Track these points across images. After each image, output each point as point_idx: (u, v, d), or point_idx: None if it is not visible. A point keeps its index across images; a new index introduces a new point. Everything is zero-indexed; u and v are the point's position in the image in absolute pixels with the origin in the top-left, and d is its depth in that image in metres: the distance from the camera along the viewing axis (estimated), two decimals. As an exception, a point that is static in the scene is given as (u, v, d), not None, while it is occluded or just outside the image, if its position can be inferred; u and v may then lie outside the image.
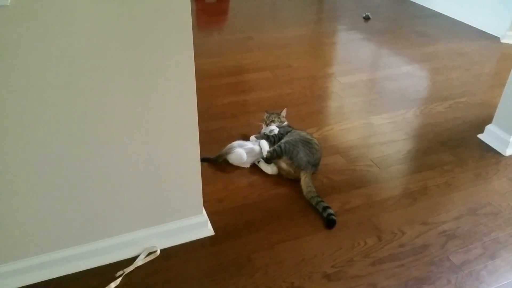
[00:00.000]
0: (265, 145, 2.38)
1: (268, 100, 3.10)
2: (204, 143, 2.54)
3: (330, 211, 2.06)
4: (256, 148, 2.40)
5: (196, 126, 1.65)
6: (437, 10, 5.17)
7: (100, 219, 1.71)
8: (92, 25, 1.30)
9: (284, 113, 2.58)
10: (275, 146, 2.31)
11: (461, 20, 4.86)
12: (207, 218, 1.98)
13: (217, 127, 2.75)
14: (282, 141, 2.35)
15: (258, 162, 2.38)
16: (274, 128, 2.46)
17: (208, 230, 1.96)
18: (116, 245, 1.79)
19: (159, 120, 1.56)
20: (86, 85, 1.39)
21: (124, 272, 1.75)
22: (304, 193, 2.18)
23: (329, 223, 2.03)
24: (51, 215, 1.61)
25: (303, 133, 2.41)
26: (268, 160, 2.35)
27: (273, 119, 2.53)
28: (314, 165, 2.30)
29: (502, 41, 4.34)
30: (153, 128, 1.57)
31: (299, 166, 2.24)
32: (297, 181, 2.26)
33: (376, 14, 5.01)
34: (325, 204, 2.08)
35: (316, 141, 2.37)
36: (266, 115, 2.58)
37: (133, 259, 1.82)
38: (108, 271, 1.77)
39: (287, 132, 2.45)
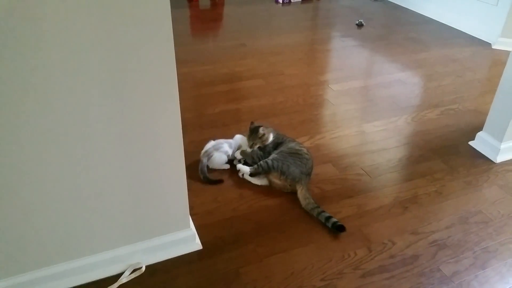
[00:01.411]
0: (243, 167, 2.34)
1: (261, 109, 3.09)
2: (194, 153, 2.54)
3: (334, 219, 2.05)
4: (232, 144, 2.43)
5: (180, 138, 1.63)
6: (429, 16, 5.18)
7: (82, 235, 1.68)
8: (69, 35, 1.28)
9: (262, 131, 2.40)
10: (261, 162, 2.28)
11: (453, 26, 4.87)
12: (195, 232, 1.96)
13: (207, 137, 2.72)
14: (270, 157, 2.32)
15: (243, 175, 2.35)
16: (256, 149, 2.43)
17: (195, 245, 1.94)
18: (100, 262, 1.76)
19: (141, 133, 1.54)
20: (64, 99, 1.37)
21: (107, 290, 1.74)
22: (303, 206, 2.16)
23: (339, 229, 2.04)
24: (29, 232, 1.58)
25: (291, 144, 2.39)
26: (253, 175, 2.32)
27: (254, 141, 2.41)
28: (308, 174, 2.29)
29: (494, 47, 4.34)
30: (135, 142, 1.55)
31: (294, 179, 2.22)
32: (293, 193, 2.24)
33: (369, 20, 5.01)
34: (327, 214, 2.08)
35: (305, 151, 2.36)
36: (248, 138, 2.47)
37: (118, 276, 1.79)
38: (91, 290, 1.75)
39: (276, 145, 2.42)
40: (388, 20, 5.16)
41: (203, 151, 2.43)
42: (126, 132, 1.52)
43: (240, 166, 2.35)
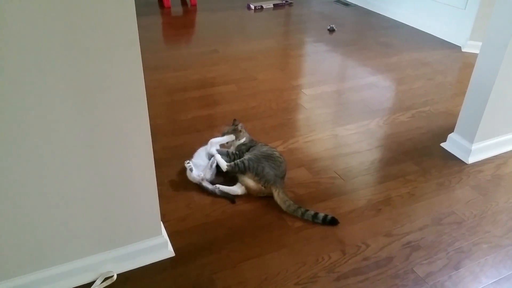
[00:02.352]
0: (221, 160, 2.30)
1: (233, 114, 3.06)
2: (166, 160, 2.51)
3: (322, 214, 2.07)
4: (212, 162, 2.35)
5: (149, 143, 1.59)
6: (400, 21, 5.25)
7: (51, 244, 1.63)
8: (31, 41, 1.24)
9: (240, 127, 2.47)
10: (238, 161, 2.26)
11: (424, 30, 4.95)
12: (167, 239, 1.92)
13: (180, 143, 2.70)
14: (245, 157, 2.30)
15: (219, 189, 2.26)
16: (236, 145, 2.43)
17: (168, 252, 1.89)
18: (69, 271, 1.71)
19: (109, 139, 1.50)
20: (26, 103, 1.32)
21: (78, 300, 1.68)
22: (284, 209, 2.14)
23: (332, 223, 2.08)
24: (-3, 243, 1.53)
25: (264, 148, 2.37)
26: (228, 172, 2.28)
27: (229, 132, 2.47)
28: (282, 177, 2.27)
29: (463, 50, 4.43)
30: (103, 148, 1.51)
31: (268, 181, 2.19)
32: (268, 197, 2.21)
33: (341, 26, 5.05)
34: (313, 212, 2.09)
35: (278, 154, 2.34)
36: (227, 128, 2.51)
37: (89, 285, 1.74)
38: (61, 299, 1.69)
39: (249, 148, 2.41)
40: (360, 25, 5.22)
41: (197, 174, 2.31)
42: (94, 139, 1.48)
43: (218, 158, 2.31)
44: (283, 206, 2.14)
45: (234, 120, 2.56)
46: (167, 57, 4.03)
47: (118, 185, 1.62)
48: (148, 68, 3.63)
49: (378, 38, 4.74)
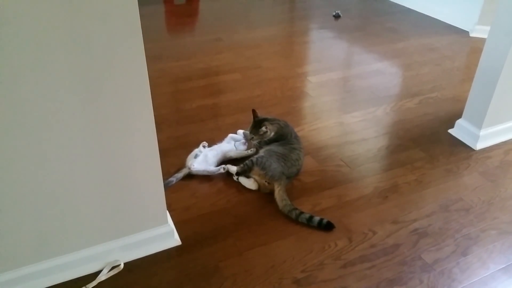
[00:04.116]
0: (231, 167, 2.29)
1: (238, 103, 3.05)
2: (171, 149, 2.50)
3: (317, 218, 2.00)
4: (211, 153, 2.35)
5: (153, 132, 1.58)
6: (407, 6, 5.18)
7: (57, 234, 1.63)
8: (34, 31, 1.23)
9: (265, 128, 2.35)
10: (247, 161, 2.22)
11: (431, 15, 4.88)
12: (173, 227, 1.92)
13: (184, 132, 2.69)
14: (256, 155, 2.27)
15: (237, 178, 2.25)
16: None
17: (174, 240, 1.89)
18: (76, 260, 1.71)
19: (114, 128, 1.49)
20: (29, 93, 1.32)
21: (85, 289, 1.69)
22: (280, 208, 2.09)
23: (327, 227, 1.99)
24: (3, 233, 1.53)
25: (286, 146, 2.31)
26: (239, 174, 2.25)
27: (255, 135, 2.39)
28: (288, 177, 2.23)
29: (471, 35, 4.37)
30: (108, 137, 1.50)
31: (273, 177, 2.14)
32: (272, 193, 2.17)
33: (346, 12, 5.00)
34: (308, 215, 2.01)
35: (296, 156, 2.28)
36: (250, 129, 2.42)
37: (96, 274, 1.75)
38: (68, 288, 1.70)
39: (276, 139, 2.37)
40: (365, 10, 5.16)
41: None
42: (98, 128, 1.47)
43: (229, 166, 2.29)
44: (280, 205, 2.09)
45: (253, 111, 2.44)
46: (171, 46, 4.01)
47: (123, 174, 1.62)
48: (152, 58, 3.62)
49: (385, 23, 4.69)
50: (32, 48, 1.25)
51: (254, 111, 2.45)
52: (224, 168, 2.27)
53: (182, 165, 2.36)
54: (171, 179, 2.23)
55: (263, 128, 2.35)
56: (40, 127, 1.38)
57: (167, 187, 2.18)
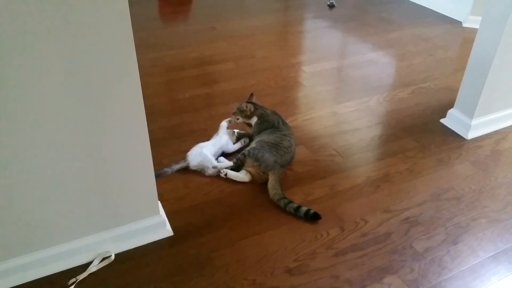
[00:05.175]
0: (224, 160, 2.29)
1: (232, 92, 3.05)
2: (163, 139, 2.49)
3: (304, 208, 2.00)
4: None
5: (144, 121, 1.58)
6: (401, -5, 5.17)
7: (46, 226, 1.63)
8: (20, 19, 1.22)
9: (245, 107, 2.44)
10: (239, 155, 2.23)
11: (425, 5, 4.88)
12: (165, 218, 1.92)
13: (178, 122, 2.68)
14: (248, 147, 2.28)
15: (226, 175, 2.22)
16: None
17: (166, 231, 1.90)
18: (67, 252, 1.71)
19: (102, 118, 1.49)
20: (19, 85, 1.31)
21: (77, 280, 1.68)
22: (271, 196, 2.09)
23: (314, 218, 2.00)
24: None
25: (276, 134, 2.33)
26: (235, 169, 2.24)
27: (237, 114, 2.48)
28: (282, 166, 2.24)
29: (464, 25, 4.37)
30: (96, 128, 1.50)
31: (267, 167, 2.15)
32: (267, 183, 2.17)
33: (340, 1, 4.98)
34: (295, 204, 2.02)
35: (287, 144, 2.29)
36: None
37: (87, 265, 1.75)
38: (59, 280, 1.70)
39: (265, 128, 2.39)
40: (360, 0, 5.14)
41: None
42: (87, 117, 1.46)
43: (221, 165, 2.26)
44: (270, 193, 2.10)
45: (251, 94, 2.59)
46: (164, 35, 3.98)
47: (113, 165, 1.61)
48: (144, 46, 3.60)
49: (379, 13, 4.68)
50: (16, 36, 1.24)
51: (251, 95, 2.56)
52: (223, 172, 2.23)
53: (175, 155, 2.36)
54: (166, 169, 2.23)
55: (243, 105, 2.44)
56: (27, 118, 1.38)
57: (160, 176, 2.18)
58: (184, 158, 2.29)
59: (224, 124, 2.48)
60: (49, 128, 1.42)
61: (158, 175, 2.11)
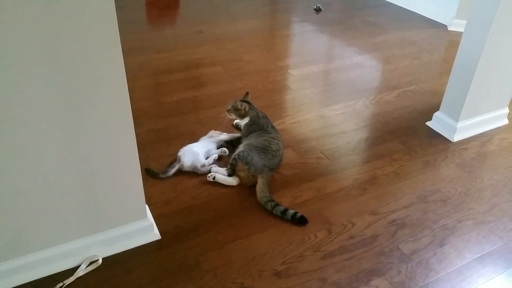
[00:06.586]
0: (220, 170, 2.26)
1: (219, 96, 3.04)
2: (150, 143, 2.49)
3: (291, 211, 2.00)
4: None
5: (131, 124, 1.57)
6: (386, 0, 5.22)
7: (32, 230, 1.61)
8: (8, 19, 1.21)
9: (240, 106, 2.45)
10: (231, 161, 2.22)
11: (410, 9, 4.93)
12: (153, 222, 1.91)
13: (165, 126, 2.67)
14: (237, 151, 2.27)
15: (214, 178, 2.21)
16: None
17: (154, 235, 1.89)
18: (54, 256, 1.70)
19: (89, 121, 1.48)
20: (5, 86, 1.30)
21: (64, 284, 1.67)
22: (258, 198, 2.10)
23: (300, 221, 2.00)
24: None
25: (264, 137, 2.33)
26: (230, 175, 2.23)
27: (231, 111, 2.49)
28: (271, 169, 2.24)
29: (449, 28, 4.42)
30: (83, 131, 1.49)
31: (257, 170, 2.15)
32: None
33: (327, 5, 5.01)
34: (282, 207, 2.02)
35: (275, 147, 2.29)
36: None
37: (74, 269, 1.73)
38: (46, 284, 1.68)
39: (254, 131, 2.40)
40: (346, 4, 5.18)
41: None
42: (73, 121, 1.45)
43: (214, 174, 2.25)
44: (258, 196, 2.10)
45: (247, 93, 2.62)
46: (151, 39, 3.97)
47: (100, 168, 1.60)
48: (132, 50, 3.59)
49: (365, 17, 4.71)
50: (5, 39, 1.23)
51: (247, 93, 2.59)
52: (211, 176, 2.23)
53: (162, 158, 2.35)
54: (162, 176, 2.24)
55: (238, 104, 2.45)
56: (13, 121, 1.36)
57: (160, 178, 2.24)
58: (176, 159, 2.28)
59: (213, 134, 2.50)
60: (35, 132, 1.41)
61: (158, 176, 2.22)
